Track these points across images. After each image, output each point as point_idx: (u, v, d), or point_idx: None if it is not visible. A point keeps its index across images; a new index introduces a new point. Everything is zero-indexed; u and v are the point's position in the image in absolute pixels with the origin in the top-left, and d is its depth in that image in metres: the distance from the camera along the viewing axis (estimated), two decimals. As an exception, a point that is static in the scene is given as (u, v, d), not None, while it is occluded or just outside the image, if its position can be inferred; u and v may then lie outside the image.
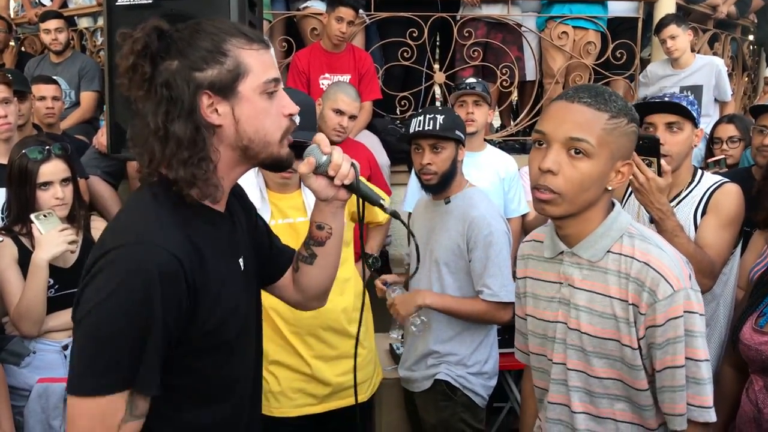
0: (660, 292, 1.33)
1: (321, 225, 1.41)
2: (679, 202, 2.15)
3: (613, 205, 1.46)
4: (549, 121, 1.37)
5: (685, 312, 1.33)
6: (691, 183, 2.18)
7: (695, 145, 2.17)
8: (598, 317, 1.41)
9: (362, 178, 1.38)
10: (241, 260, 1.33)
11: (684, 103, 2.11)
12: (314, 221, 1.42)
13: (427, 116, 2.26)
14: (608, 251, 1.41)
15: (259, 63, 1.19)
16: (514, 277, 2.43)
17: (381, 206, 1.36)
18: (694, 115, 2.12)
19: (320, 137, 1.33)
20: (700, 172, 2.21)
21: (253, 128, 1.19)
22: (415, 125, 2.29)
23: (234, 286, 1.28)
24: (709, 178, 2.19)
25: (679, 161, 2.12)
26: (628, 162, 1.38)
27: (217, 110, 1.17)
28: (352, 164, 1.33)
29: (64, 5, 5.06)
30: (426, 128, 2.25)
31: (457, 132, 2.29)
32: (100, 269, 1.09)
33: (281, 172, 1.34)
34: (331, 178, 1.32)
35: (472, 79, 3.22)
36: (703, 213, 2.12)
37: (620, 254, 1.40)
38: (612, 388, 1.43)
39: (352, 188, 1.34)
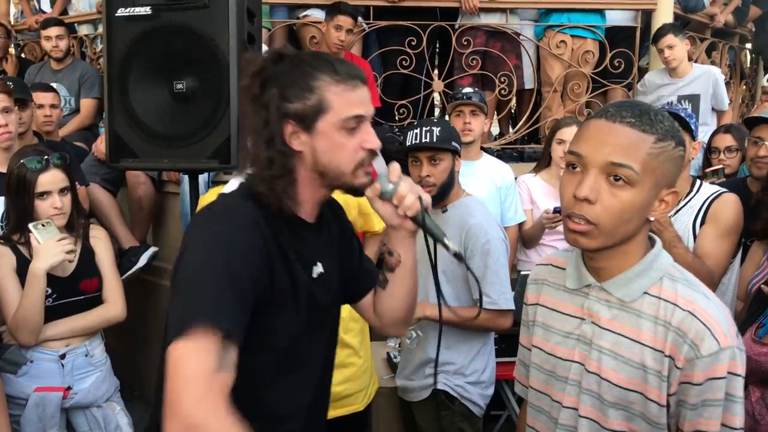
0: (704, 347, 1.16)
1: (391, 252, 1.46)
2: (678, 211, 2.16)
3: (653, 241, 1.30)
4: (586, 142, 1.21)
5: (728, 373, 1.16)
6: (689, 193, 2.19)
7: (692, 158, 2.18)
8: (623, 364, 1.24)
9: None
10: (315, 267, 1.39)
11: (682, 115, 2.13)
12: (387, 247, 1.47)
13: (424, 129, 2.27)
14: (645, 292, 1.25)
15: (343, 101, 1.28)
16: (513, 286, 2.45)
17: (445, 245, 1.38)
18: (692, 127, 2.14)
19: (393, 167, 1.38)
20: (698, 182, 2.23)
21: (327, 159, 1.29)
22: (411, 138, 2.30)
23: (298, 290, 1.33)
24: (708, 188, 2.20)
25: None
26: (673, 190, 1.22)
27: (299, 137, 1.28)
28: (419, 197, 1.36)
29: (65, 12, 5.09)
30: (423, 140, 2.26)
31: (454, 143, 2.30)
32: (193, 227, 1.27)
33: (357, 196, 1.39)
34: (396, 207, 1.37)
35: (468, 89, 3.20)
36: (702, 223, 2.13)
37: (659, 298, 1.23)
38: None
39: (416, 221, 1.37)
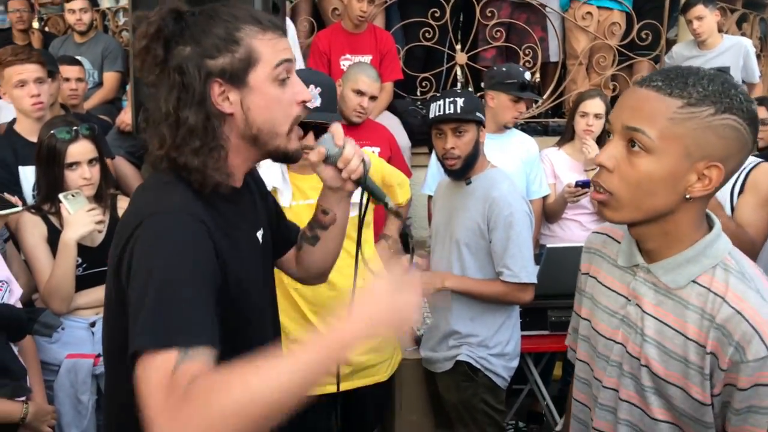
0: (751, 351, 1.06)
1: (326, 210, 1.42)
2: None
3: (711, 225, 1.19)
4: (615, 108, 1.16)
5: None
6: None
7: None
8: (665, 354, 1.17)
9: (378, 161, 1.39)
10: (259, 233, 1.36)
11: None
12: (320, 205, 1.43)
13: (447, 100, 2.24)
14: (693, 281, 1.15)
15: (271, 50, 1.17)
16: (537, 259, 2.44)
17: (385, 205, 1.35)
18: None
19: (335, 128, 1.32)
20: None
21: (262, 117, 1.18)
22: (435, 110, 2.27)
23: (254, 259, 1.30)
24: None
25: None
26: (714, 164, 1.07)
27: (228, 98, 1.16)
28: (363, 160, 1.33)
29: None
30: (447, 112, 2.23)
31: (478, 114, 2.27)
32: (136, 240, 1.09)
33: (289, 163, 1.34)
34: (340, 170, 1.32)
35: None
36: (740, 192, 2.11)
37: (708, 289, 1.13)
38: None
39: (359, 184, 1.35)
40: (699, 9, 4.01)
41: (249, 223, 1.32)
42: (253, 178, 1.44)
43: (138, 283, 1.07)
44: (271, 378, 0.96)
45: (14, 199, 2.24)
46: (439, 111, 2.26)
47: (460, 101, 2.23)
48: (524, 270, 2.25)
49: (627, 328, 1.23)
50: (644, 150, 1.08)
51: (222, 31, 1.14)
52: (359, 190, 1.38)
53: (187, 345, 0.99)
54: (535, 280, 2.29)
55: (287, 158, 1.27)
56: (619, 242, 1.29)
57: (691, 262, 1.15)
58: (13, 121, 2.84)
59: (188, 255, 1.09)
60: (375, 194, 1.36)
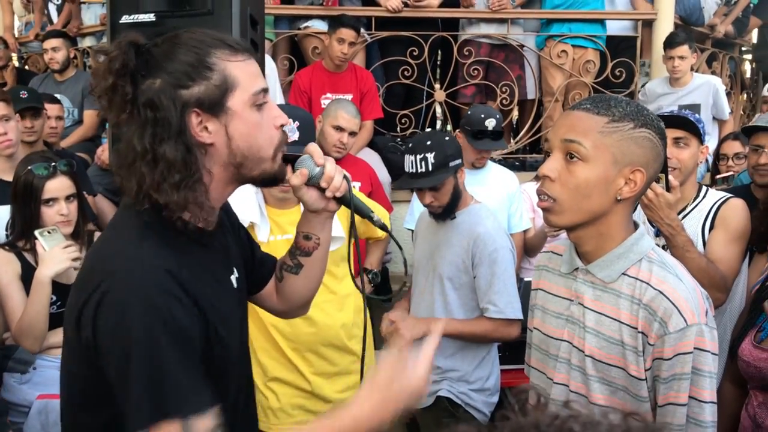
0: (672, 324, 1.24)
1: (308, 235, 1.38)
2: (685, 216, 2.16)
3: (636, 226, 1.38)
4: (553, 128, 1.36)
5: (695, 348, 1.24)
6: (696, 198, 2.20)
7: (700, 162, 2.19)
8: (605, 341, 1.33)
9: (356, 192, 1.37)
10: (233, 277, 1.30)
11: (692, 119, 2.14)
12: (301, 231, 1.38)
13: (417, 156, 2.20)
14: (624, 274, 1.33)
15: (247, 74, 1.14)
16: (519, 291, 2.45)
17: (371, 219, 1.33)
18: (701, 131, 2.15)
19: (313, 147, 1.29)
20: (704, 188, 2.24)
21: (247, 144, 1.14)
22: (408, 165, 2.24)
23: (230, 303, 1.26)
24: (714, 194, 2.21)
25: (686, 176, 2.14)
26: (638, 169, 1.27)
27: (207, 128, 1.12)
28: (345, 176, 1.30)
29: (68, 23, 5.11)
30: (419, 170, 2.21)
31: (452, 164, 2.24)
32: (99, 306, 1.05)
33: (273, 186, 1.30)
34: (323, 190, 1.28)
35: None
36: (711, 228, 2.14)
37: (636, 278, 1.32)
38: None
39: (344, 200, 1.32)
40: (683, 49, 4.13)
41: (223, 267, 1.27)
42: (226, 213, 1.38)
43: (117, 362, 1.03)
44: None
45: None
46: (412, 168, 2.23)
47: (430, 157, 2.19)
48: (510, 306, 2.24)
49: (571, 325, 1.40)
50: (581, 159, 1.27)
51: (192, 58, 1.09)
52: (337, 228, 1.35)
53: (186, 415, 0.99)
54: (521, 316, 2.26)
55: (273, 180, 1.23)
56: (561, 255, 1.48)
57: (620, 257, 1.33)
58: None
59: (160, 319, 1.03)
60: (360, 209, 1.34)
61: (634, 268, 1.33)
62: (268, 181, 1.22)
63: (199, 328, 1.10)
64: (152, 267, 1.07)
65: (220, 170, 1.16)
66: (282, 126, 1.20)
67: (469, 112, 3.06)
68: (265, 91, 1.17)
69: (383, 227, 1.36)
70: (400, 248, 1.42)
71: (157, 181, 1.08)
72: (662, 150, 1.32)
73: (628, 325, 1.30)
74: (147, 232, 1.11)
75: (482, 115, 3.00)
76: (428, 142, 2.23)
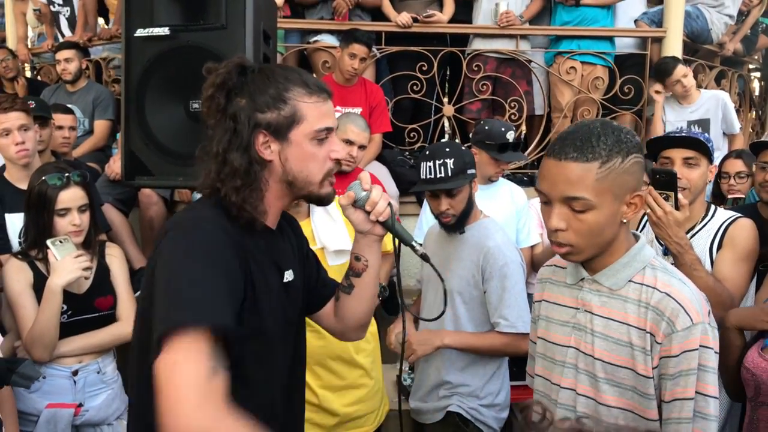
0: (679, 323, 1.34)
1: (358, 257, 1.51)
2: (694, 235, 2.16)
3: (636, 237, 1.48)
4: (544, 181, 1.40)
5: (701, 346, 1.33)
6: (705, 217, 2.20)
7: (709, 181, 2.20)
8: (613, 344, 1.42)
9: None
10: (287, 274, 1.44)
11: (701, 139, 2.15)
12: (353, 253, 1.52)
13: (437, 162, 2.22)
14: (630, 281, 1.42)
15: (315, 113, 1.33)
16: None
17: (412, 247, 1.45)
18: (711, 150, 2.16)
19: (364, 175, 1.45)
20: (713, 207, 2.24)
21: (299, 168, 1.34)
22: (425, 171, 2.25)
23: (274, 292, 1.38)
24: (723, 213, 2.21)
25: (695, 195, 2.15)
26: (638, 194, 1.37)
27: (270, 147, 1.32)
28: (389, 204, 1.44)
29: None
30: (438, 176, 2.22)
31: (469, 171, 2.26)
32: (164, 243, 1.25)
33: (322, 205, 1.45)
34: (368, 213, 1.43)
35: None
36: (719, 247, 2.14)
37: (642, 284, 1.41)
38: (621, 418, 1.42)
39: (387, 226, 1.45)
40: (682, 68, 4.16)
41: (274, 262, 1.40)
42: (292, 228, 1.54)
43: (167, 271, 1.20)
44: None
45: None
46: (430, 173, 2.24)
47: (450, 163, 2.21)
48: (520, 320, 2.24)
49: (578, 332, 1.49)
50: (587, 208, 1.34)
51: (274, 90, 1.31)
52: (345, 241, 1.43)
53: (211, 322, 1.12)
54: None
55: (320, 201, 1.41)
56: (565, 268, 1.56)
57: (626, 266, 1.43)
58: (3, 167, 2.84)
59: (207, 248, 1.21)
60: (401, 236, 1.46)
61: (639, 275, 1.42)
62: (315, 200, 1.41)
63: (242, 281, 1.26)
64: (213, 224, 1.27)
65: (275, 184, 1.36)
66: (337, 159, 1.39)
67: (486, 127, 3.04)
68: (329, 129, 1.36)
69: (424, 257, 1.48)
70: (441, 279, 1.55)
71: (223, 180, 1.30)
72: (645, 162, 1.42)
73: (635, 327, 1.39)
74: (214, 210, 1.32)
75: (502, 129, 3.02)
76: (447, 149, 2.27)
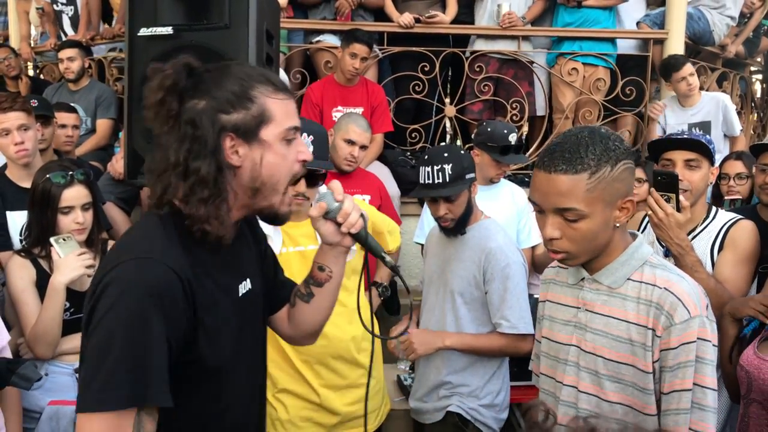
0: (677, 316, 1.38)
1: (322, 267, 1.44)
2: (695, 237, 2.17)
3: (634, 236, 1.52)
4: (536, 192, 1.42)
5: (698, 338, 1.37)
6: (706, 219, 2.21)
7: (711, 183, 2.21)
8: (614, 341, 1.45)
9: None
10: (242, 285, 1.36)
11: (703, 141, 2.15)
12: (316, 262, 1.46)
13: (435, 168, 2.22)
14: (628, 279, 1.46)
15: (283, 111, 1.24)
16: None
17: (383, 259, 1.39)
18: (712, 152, 2.16)
19: (335, 185, 1.37)
20: (714, 208, 2.25)
21: (269, 173, 1.24)
22: (424, 177, 2.25)
23: (230, 308, 1.30)
24: (724, 215, 2.22)
25: (696, 197, 2.15)
26: (629, 198, 1.41)
27: (237, 152, 1.21)
28: (362, 215, 1.38)
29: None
30: (436, 181, 2.22)
31: (468, 176, 2.26)
32: (105, 286, 1.12)
33: (273, 224, 1.35)
34: (340, 225, 1.36)
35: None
36: (720, 249, 2.14)
37: (641, 282, 1.45)
38: (621, 413, 1.45)
39: (359, 238, 1.39)
40: (689, 67, 4.17)
41: (230, 275, 1.33)
42: (250, 227, 1.46)
43: (98, 337, 1.10)
44: None
45: None
46: (428, 179, 2.23)
47: (448, 168, 2.21)
48: (522, 320, 2.25)
49: (579, 330, 1.52)
50: (580, 217, 1.37)
51: (237, 88, 1.20)
52: None
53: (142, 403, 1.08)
54: (533, 330, 2.26)
55: (276, 218, 1.31)
56: (566, 268, 1.60)
57: (624, 265, 1.47)
58: (5, 166, 2.86)
59: (149, 312, 1.10)
60: (373, 249, 1.40)
61: (638, 272, 1.46)
62: (272, 216, 1.30)
63: (185, 327, 1.17)
64: (157, 261, 1.14)
65: (240, 192, 1.25)
66: (304, 161, 1.29)
67: (489, 129, 3.04)
68: (296, 128, 1.28)
69: (394, 269, 1.43)
70: (407, 289, 1.51)
71: (186, 193, 1.18)
72: (634, 163, 1.45)
73: (635, 323, 1.43)
74: (164, 232, 1.20)
75: (504, 131, 3.02)
76: (445, 154, 2.25)
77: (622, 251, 1.47)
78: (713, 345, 1.39)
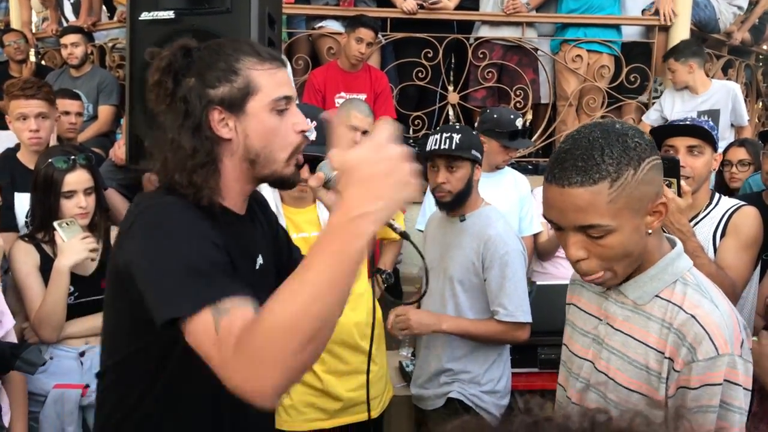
0: (701, 351, 1.15)
1: None
2: (697, 223, 2.16)
3: (673, 244, 1.31)
4: (551, 209, 1.23)
5: (725, 381, 1.14)
6: (709, 205, 2.20)
7: (714, 169, 2.19)
8: (629, 364, 1.26)
9: None
10: (258, 258, 1.38)
11: (705, 127, 2.14)
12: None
13: (444, 135, 2.28)
14: (657, 296, 1.26)
15: (271, 82, 1.25)
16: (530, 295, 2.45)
17: (391, 226, 1.35)
18: (715, 138, 2.15)
19: (332, 153, 1.34)
20: (717, 195, 2.24)
21: (261, 144, 1.25)
22: (431, 144, 2.30)
23: (249, 279, 1.28)
24: (727, 201, 2.21)
25: (699, 184, 2.14)
26: (661, 201, 1.21)
27: (227, 124, 1.24)
28: None
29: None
30: (442, 147, 2.26)
31: (474, 152, 2.29)
32: (135, 221, 1.18)
33: (284, 189, 1.37)
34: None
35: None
36: (722, 235, 2.13)
37: (668, 301, 1.24)
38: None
39: None
40: (670, 62, 4.19)
41: (246, 248, 1.34)
42: (262, 208, 1.48)
43: (148, 259, 1.13)
44: (304, 285, 0.99)
45: None
46: (435, 145, 2.28)
47: (456, 137, 2.26)
48: (520, 309, 2.25)
49: (596, 345, 1.34)
50: (606, 232, 1.17)
51: (223, 63, 1.23)
52: None
53: (214, 300, 1.04)
54: (530, 319, 2.27)
55: (283, 183, 1.32)
56: None
57: (653, 279, 1.26)
58: (17, 147, 2.87)
59: (193, 226, 1.16)
60: None
61: (668, 290, 1.25)
62: (278, 182, 1.32)
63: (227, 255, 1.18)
64: (184, 205, 1.20)
65: (236, 164, 1.27)
66: (302, 131, 1.29)
67: (495, 116, 3.05)
68: (288, 98, 1.27)
69: (404, 235, 1.41)
70: (422, 256, 1.49)
71: (176, 165, 1.22)
72: (660, 159, 1.25)
73: (654, 349, 1.23)
74: (175, 197, 1.23)
75: (511, 116, 3.04)
76: (457, 126, 2.32)
77: (655, 262, 1.27)
78: (744, 390, 1.14)
